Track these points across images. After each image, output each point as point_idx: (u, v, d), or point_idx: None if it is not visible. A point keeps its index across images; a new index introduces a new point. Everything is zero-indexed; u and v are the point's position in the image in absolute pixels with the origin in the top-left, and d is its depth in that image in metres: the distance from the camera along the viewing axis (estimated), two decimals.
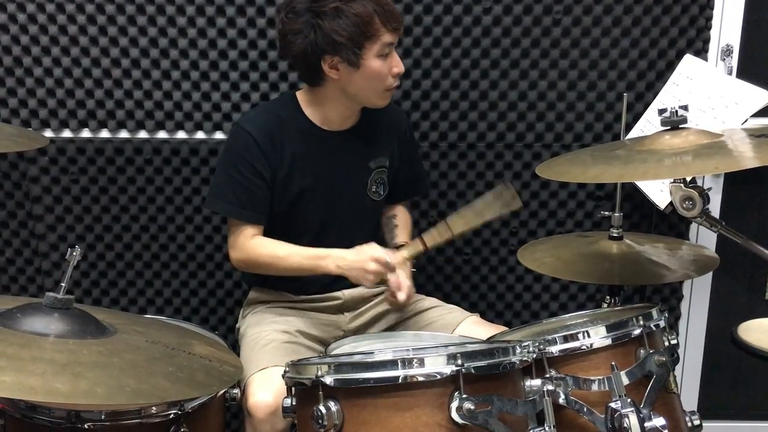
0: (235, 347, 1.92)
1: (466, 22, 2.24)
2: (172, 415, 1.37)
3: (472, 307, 2.41)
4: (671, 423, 1.32)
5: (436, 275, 2.42)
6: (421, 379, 1.07)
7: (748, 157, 1.25)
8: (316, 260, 1.81)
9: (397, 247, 2.02)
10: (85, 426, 1.30)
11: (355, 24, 1.71)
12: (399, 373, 1.07)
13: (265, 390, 1.65)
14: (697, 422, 1.40)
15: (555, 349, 1.30)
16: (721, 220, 1.40)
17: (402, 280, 1.81)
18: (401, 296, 1.80)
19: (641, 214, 2.31)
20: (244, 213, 1.85)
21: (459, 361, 1.08)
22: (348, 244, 1.84)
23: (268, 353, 1.78)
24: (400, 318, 2.00)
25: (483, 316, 2.38)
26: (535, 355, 1.24)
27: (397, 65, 1.81)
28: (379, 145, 1.97)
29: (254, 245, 1.86)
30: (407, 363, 1.08)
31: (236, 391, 1.65)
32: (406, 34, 2.23)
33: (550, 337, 1.31)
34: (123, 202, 2.32)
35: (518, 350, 1.18)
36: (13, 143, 1.41)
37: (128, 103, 2.26)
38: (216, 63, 2.24)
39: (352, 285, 1.90)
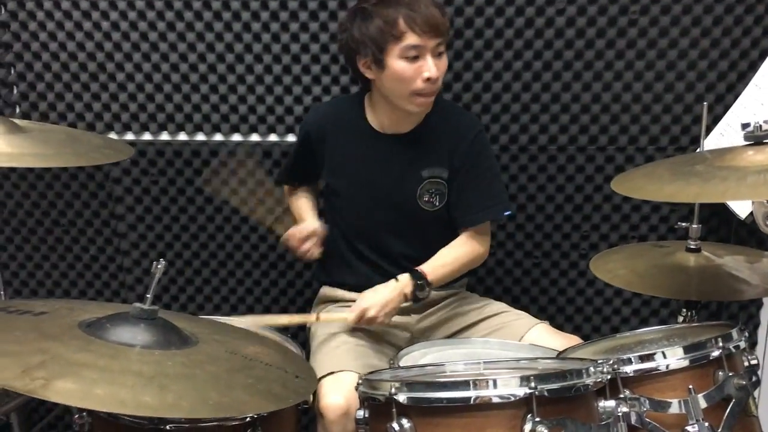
0: (305, 344, 1.97)
1: (539, 23, 2.21)
2: (248, 419, 1.41)
3: (540, 312, 2.40)
4: None
5: (505, 278, 2.41)
6: (494, 400, 1.08)
7: None
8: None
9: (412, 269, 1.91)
10: (167, 427, 1.35)
11: (377, 25, 1.76)
12: (472, 393, 1.08)
13: (337, 393, 1.68)
14: None
15: (630, 369, 1.28)
16: None
17: (367, 314, 1.82)
18: (350, 319, 1.84)
19: (720, 220, 2.24)
20: (281, 176, 2.18)
21: (532, 384, 1.08)
22: (398, 249, 1.93)
23: (340, 356, 1.81)
24: (468, 322, 2.00)
25: (552, 322, 2.38)
26: (609, 376, 1.22)
27: (429, 70, 1.75)
28: (436, 153, 1.90)
29: (291, 198, 2.16)
30: (480, 384, 1.08)
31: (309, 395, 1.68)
32: (477, 36, 2.22)
33: (625, 357, 1.29)
34: (199, 203, 2.38)
35: (592, 371, 1.17)
36: (102, 155, 1.47)
37: (204, 107, 2.32)
38: (289, 67, 2.28)
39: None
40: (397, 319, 1.98)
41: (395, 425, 1.09)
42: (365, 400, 1.19)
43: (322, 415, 1.68)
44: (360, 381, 1.22)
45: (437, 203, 1.93)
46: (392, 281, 1.86)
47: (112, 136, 2.35)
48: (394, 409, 1.11)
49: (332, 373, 1.75)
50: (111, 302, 2.45)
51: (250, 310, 2.46)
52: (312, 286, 2.41)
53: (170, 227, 2.41)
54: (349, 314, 1.83)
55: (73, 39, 2.28)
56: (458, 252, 1.93)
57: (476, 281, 2.38)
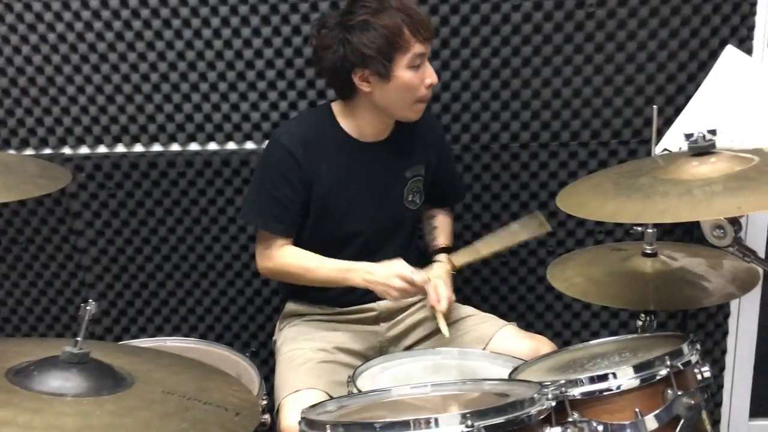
0: (269, 360, 1.94)
1: (495, 20, 2.16)
2: None
3: (510, 311, 2.38)
4: None
5: (473, 278, 2.37)
6: None
7: None
8: (343, 273, 1.82)
9: (437, 251, 2.01)
10: None
11: (383, 36, 1.70)
12: None
13: (298, 413, 1.64)
14: None
15: (578, 392, 1.25)
16: (755, 250, 1.31)
17: (440, 292, 1.81)
18: (442, 306, 1.82)
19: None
20: (277, 227, 1.87)
21: (469, 421, 1.05)
22: (385, 253, 1.86)
23: (303, 374, 1.79)
24: (436, 327, 1.97)
25: (521, 320, 2.36)
26: (555, 402, 1.19)
27: (430, 76, 1.78)
28: (415, 154, 1.96)
29: (283, 255, 1.87)
30: (417, 424, 1.05)
31: (266, 416, 1.65)
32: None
33: (574, 378, 1.26)
34: (159, 215, 2.34)
35: (536, 399, 1.15)
36: (35, 187, 1.42)
37: (178, 117, 2.27)
38: (243, 73, 2.22)
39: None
40: (366, 327, 1.97)
41: None
42: None
43: None
44: (300, 419, 1.19)
45: (418, 201, 1.98)
46: (439, 264, 1.97)
47: (84, 150, 2.31)
48: None
49: (295, 392, 1.73)
50: (58, 335, 2.41)
51: (210, 327, 2.42)
52: (272, 303, 2.39)
53: (131, 240, 2.37)
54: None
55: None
56: (448, 218, 2.14)
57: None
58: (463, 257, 1.97)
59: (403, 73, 1.74)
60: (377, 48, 1.71)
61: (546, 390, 1.20)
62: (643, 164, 1.43)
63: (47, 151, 2.31)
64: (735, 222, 1.27)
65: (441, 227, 2.10)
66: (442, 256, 2.01)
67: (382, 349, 1.95)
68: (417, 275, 1.76)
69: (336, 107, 1.90)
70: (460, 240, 2.32)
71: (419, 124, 1.92)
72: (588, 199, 1.31)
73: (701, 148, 1.28)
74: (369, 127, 1.88)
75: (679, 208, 1.15)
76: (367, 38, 1.71)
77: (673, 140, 1.94)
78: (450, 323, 1.95)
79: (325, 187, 1.85)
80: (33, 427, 1.03)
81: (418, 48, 1.74)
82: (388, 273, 1.76)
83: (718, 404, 2.44)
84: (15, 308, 2.44)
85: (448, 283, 1.90)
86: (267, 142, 1.93)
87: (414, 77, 1.75)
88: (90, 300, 1.24)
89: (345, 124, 1.88)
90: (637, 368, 1.25)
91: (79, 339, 1.21)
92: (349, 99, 1.85)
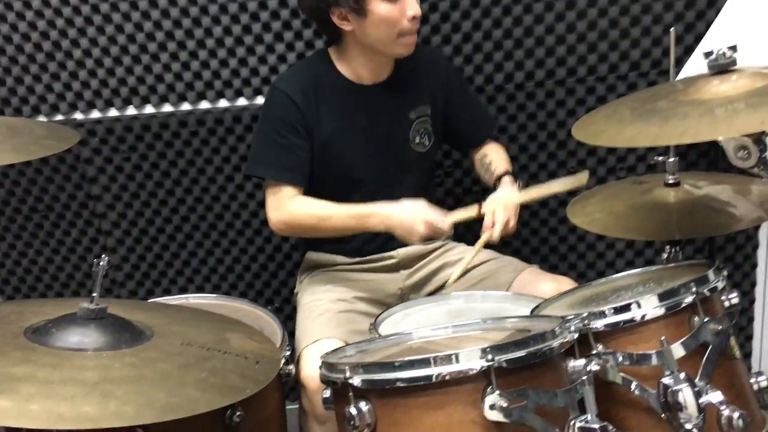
0: (293, 315, 1.93)
1: None
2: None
3: (533, 254, 2.35)
4: (733, 391, 1.24)
5: None
6: (451, 376, 1.03)
7: None
8: (361, 219, 1.77)
9: (499, 178, 1.93)
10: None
11: None
12: (427, 372, 1.03)
13: (318, 363, 1.65)
14: (764, 383, 1.31)
15: (601, 324, 1.22)
16: None
17: (497, 216, 1.75)
18: (495, 233, 1.75)
19: (709, 145, 2.15)
20: (286, 175, 1.83)
21: (490, 356, 1.03)
22: (397, 198, 1.80)
23: (322, 324, 1.79)
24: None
25: (544, 263, 2.32)
26: (578, 334, 1.17)
27: (412, 7, 1.72)
28: (418, 93, 1.91)
29: (295, 205, 1.83)
30: (436, 361, 1.04)
31: (290, 367, 1.65)
32: None
33: (597, 310, 1.24)
34: (174, 176, 2.33)
35: (558, 332, 1.12)
36: (41, 147, 1.41)
37: (167, 76, 2.24)
38: (249, 26, 2.18)
39: (406, 243, 1.85)
40: (385, 276, 1.95)
41: (353, 409, 1.06)
42: (326, 383, 1.15)
43: (305, 385, 1.66)
44: (321, 364, 1.18)
45: (427, 143, 1.93)
46: (504, 187, 1.87)
47: (78, 116, 2.29)
48: (350, 393, 1.07)
49: (315, 342, 1.72)
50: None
51: (233, 285, 2.42)
52: (293, 258, 2.37)
53: (149, 203, 2.36)
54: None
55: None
56: (500, 147, 2.06)
57: (465, 228, 2.31)
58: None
59: (377, 6, 1.69)
60: None
61: (568, 323, 1.17)
62: (661, 89, 1.37)
63: (59, 117, 2.30)
64: (759, 141, 1.22)
65: (494, 157, 2.00)
66: (507, 178, 1.91)
67: (403, 297, 1.94)
68: (440, 220, 1.72)
69: (332, 51, 1.87)
70: (478, 185, 2.28)
71: (420, 61, 1.87)
72: (604, 128, 1.26)
73: (721, 66, 1.23)
74: (364, 68, 1.83)
75: (700, 129, 1.10)
76: None
77: (694, 68, 1.87)
78: (471, 269, 1.92)
79: (326, 133, 1.82)
80: (52, 382, 1.03)
81: None
82: (411, 216, 1.71)
83: (749, 337, 2.40)
84: (40, 276, 2.46)
85: (510, 210, 1.77)
86: (267, 92, 1.89)
87: (392, 10, 1.70)
88: (103, 255, 1.23)
89: (342, 68, 1.85)
90: (662, 296, 1.22)
91: (95, 295, 1.21)
92: (339, 42, 1.82)
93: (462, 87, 2.04)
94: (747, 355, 2.42)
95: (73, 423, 0.97)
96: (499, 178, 1.93)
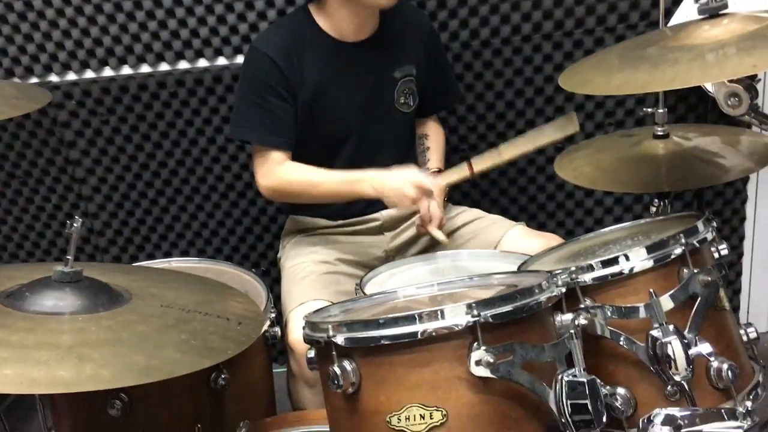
0: (278, 279, 1.91)
1: None
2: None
3: (521, 212, 2.33)
4: (723, 342, 1.22)
5: (480, 182, 2.31)
6: (436, 333, 1.01)
7: None
8: (351, 185, 1.73)
9: (433, 173, 1.91)
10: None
11: None
12: (412, 329, 1.01)
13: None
14: (753, 335, 1.29)
15: (589, 278, 1.20)
16: None
17: (433, 211, 1.72)
18: (431, 228, 1.73)
19: (698, 97, 2.11)
20: (272, 139, 1.78)
21: (475, 311, 1.00)
22: (381, 161, 1.78)
23: (307, 286, 1.76)
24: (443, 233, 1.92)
25: (533, 220, 2.30)
26: (565, 288, 1.15)
27: None
28: (403, 52, 1.86)
29: (285, 171, 1.79)
30: (421, 317, 1.01)
31: (276, 329, 1.63)
32: None
33: (584, 264, 1.21)
34: (155, 138, 2.28)
35: (545, 287, 1.10)
36: (10, 107, 1.36)
37: (144, 36, 2.18)
38: None
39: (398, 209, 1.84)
40: (369, 238, 1.93)
41: (336, 368, 1.03)
42: (310, 342, 1.13)
43: (292, 348, 1.65)
44: (304, 324, 1.15)
45: (411, 103, 1.89)
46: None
47: (53, 78, 2.24)
48: (334, 352, 1.05)
49: (301, 304, 1.70)
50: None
51: (219, 249, 2.40)
52: (278, 221, 2.34)
53: (129, 167, 2.32)
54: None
55: None
56: (441, 135, 2.04)
57: (452, 188, 2.29)
58: (484, 162, 1.81)
59: None
60: None
61: (555, 277, 1.15)
62: (650, 36, 1.33)
63: (34, 80, 2.23)
64: (750, 88, 1.19)
65: (434, 148, 1.98)
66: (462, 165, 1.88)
67: (388, 259, 1.91)
68: (431, 182, 1.69)
69: (313, 8, 1.80)
70: (464, 143, 2.25)
71: (405, 19, 1.83)
72: (592, 76, 1.22)
73: (712, 10, 1.19)
74: (346, 23, 1.77)
75: (690, 74, 1.07)
76: None
77: (684, 16, 1.83)
78: (457, 228, 1.90)
79: (309, 94, 1.76)
80: (26, 346, 1.00)
81: None
82: (401, 181, 1.66)
83: (737, 291, 2.40)
84: (21, 243, 2.43)
85: (440, 203, 1.77)
86: (246, 53, 1.82)
87: None
88: (76, 217, 1.19)
89: (323, 24, 1.79)
90: (650, 248, 1.19)
91: (69, 257, 1.18)
92: None
93: (441, 51, 2.00)
94: (735, 308, 2.42)
95: (48, 387, 0.94)
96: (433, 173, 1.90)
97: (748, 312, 2.44)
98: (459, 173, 1.83)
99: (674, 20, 1.85)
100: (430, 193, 1.68)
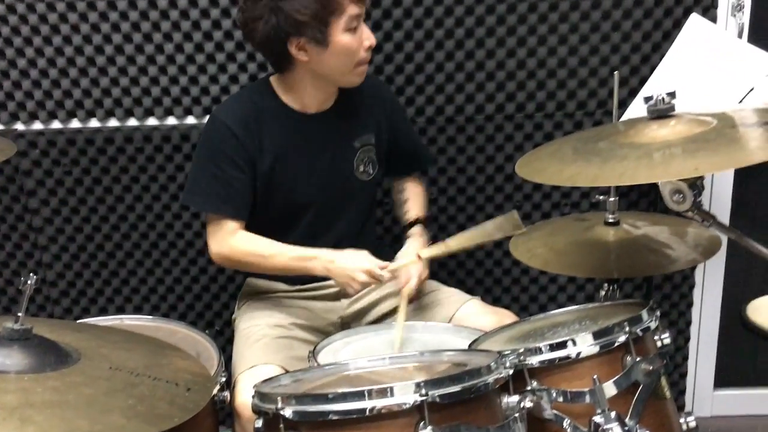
0: (232, 340, 1.90)
1: None
2: None
3: (477, 285, 2.36)
4: (663, 431, 1.25)
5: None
6: (385, 410, 1.02)
7: (747, 151, 1.14)
8: (303, 261, 1.76)
9: (409, 225, 1.95)
10: None
11: (317, 0, 1.63)
12: (361, 405, 1.02)
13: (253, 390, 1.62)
14: (693, 424, 1.33)
15: (536, 360, 1.23)
16: (714, 215, 1.30)
17: (411, 271, 1.77)
18: (410, 287, 1.77)
19: (649, 186, 2.20)
20: (224, 207, 1.79)
21: (423, 390, 1.02)
22: (340, 228, 1.82)
23: (259, 350, 1.76)
24: (398, 303, 1.94)
25: (488, 295, 2.34)
26: (513, 370, 1.17)
27: (369, 38, 1.74)
28: (362, 122, 1.90)
29: (237, 241, 1.80)
30: (370, 394, 1.02)
31: (226, 393, 1.62)
32: (395, 5, 2.13)
33: (533, 346, 1.24)
34: (117, 192, 2.28)
35: (493, 368, 1.12)
36: None
37: (115, 91, 2.21)
38: (201, 45, 2.16)
39: (344, 292, 1.84)
40: (326, 304, 1.93)
41: None
42: (258, 412, 1.13)
43: (238, 413, 1.63)
44: (253, 393, 1.15)
45: (371, 171, 1.92)
46: (412, 241, 1.89)
47: (19, 126, 2.24)
48: (281, 425, 1.05)
49: (250, 367, 1.69)
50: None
51: (173, 306, 2.38)
52: (236, 281, 2.34)
53: (89, 218, 2.30)
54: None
55: None
56: (419, 188, 2.07)
57: None
58: (431, 250, 1.84)
59: (341, 37, 1.68)
60: (312, 13, 1.63)
61: (504, 359, 1.17)
62: (603, 130, 1.41)
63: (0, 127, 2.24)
64: (694, 186, 1.25)
65: (412, 199, 2.02)
66: (415, 229, 1.94)
67: (343, 326, 1.91)
68: (381, 271, 1.71)
69: (274, 81, 1.83)
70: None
71: (364, 90, 1.87)
72: (547, 165, 1.28)
73: (660, 111, 1.26)
74: (311, 98, 1.81)
75: (637, 171, 1.13)
76: (300, 4, 1.63)
77: (637, 110, 1.92)
78: (414, 299, 1.92)
79: (269, 163, 1.78)
80: None
81: (353, 9, 1.67)
82: (352, 265, 1.69)
83: (683, 375, 2.45)
84: None
85: (420, 264, 1.80)
86: (207, 121, 1.83)
87: (353, 40, 1.70)
88: (31, 274, 1.19)
89: (286, 97, 1.82)
90: (597, 335, 1.23)
91: (20, 314, 1.17)
92: (287, 71, 1.78)
93: (404, 116, 2.06)
94: (681, 392, 2.46)
95: None
96: (410, 225, 1.95)
97: (693, 395, 2.49)
98: (407, 261, 1.83)
99: (629, 112, 1.94)
100: (381, 281, 1.72)
